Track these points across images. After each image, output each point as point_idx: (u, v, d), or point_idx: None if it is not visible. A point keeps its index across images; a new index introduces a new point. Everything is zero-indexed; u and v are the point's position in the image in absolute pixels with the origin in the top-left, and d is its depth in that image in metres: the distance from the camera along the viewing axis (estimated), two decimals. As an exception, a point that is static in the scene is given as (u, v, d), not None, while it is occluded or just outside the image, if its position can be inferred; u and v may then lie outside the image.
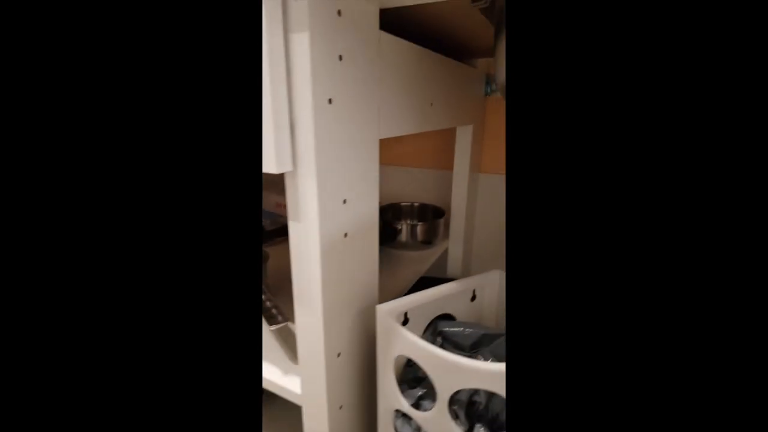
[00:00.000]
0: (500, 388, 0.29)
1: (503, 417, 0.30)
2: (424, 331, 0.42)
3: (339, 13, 0.30)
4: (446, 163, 0.90)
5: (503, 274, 0.45)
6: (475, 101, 0.75)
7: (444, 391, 0.31)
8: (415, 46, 0.44)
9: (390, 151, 0.96)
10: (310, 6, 0.27)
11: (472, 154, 0.79)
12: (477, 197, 0.86)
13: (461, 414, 0.35)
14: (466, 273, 0.87)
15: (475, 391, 0.36)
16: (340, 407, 0.39)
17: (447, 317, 0.43)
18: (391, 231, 0.73)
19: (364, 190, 0.38)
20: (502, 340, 0.40)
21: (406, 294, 0.40)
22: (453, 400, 0.35)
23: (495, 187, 0.84)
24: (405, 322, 0.40)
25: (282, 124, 0.29)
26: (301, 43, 0.28)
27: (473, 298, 0.45)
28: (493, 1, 0.40)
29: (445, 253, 0.83)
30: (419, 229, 0.73)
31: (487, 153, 0.84)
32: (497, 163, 0.84)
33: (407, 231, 0.73)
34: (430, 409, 0.33)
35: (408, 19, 0.44)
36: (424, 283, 0.70)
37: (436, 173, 0.92)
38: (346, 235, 0.36)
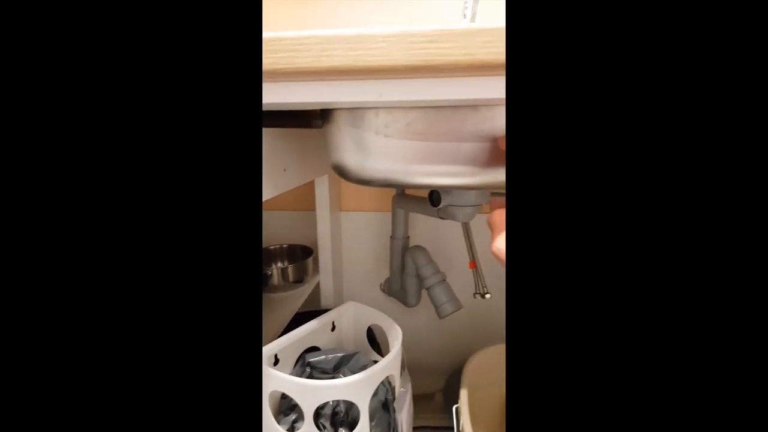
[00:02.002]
0: (347, 396, 0.39)
1: (359, 418, 0.41)
2: (294, 365, 0.51)
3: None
4: (309, 204, 1.00)
5: (356, 305, 0.57)
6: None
7: (308, 409, 0.40)
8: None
9: (257, 197, 1.02)
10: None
11: (331, 198, 0.91)
12: (341, 233, 0.98)
13: (327, 424, 0.45)
14: (338, 301, 0.98)
15: (337, 404, 0.46)
16: (226, 450, 0.44)
17: (313, 349, 0.53)
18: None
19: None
20: (357, 357, 0.52)
21: (283, 330, 0.47)
22: (319, 415, 0.45)
23: (356, 223, 0.98)
24: (276, 362, 0.48)
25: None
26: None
27: (333, 328, 0.56)
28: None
29: (318, 286, 0.92)
30: (290, 270, 0.81)
31: (345, 194, 0.98)
32: (355, 202, 0.98)
33: (278, 274, 0.80)
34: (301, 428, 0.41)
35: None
36: (300, 318, 0.78)
37: (301, 215, 1.01)
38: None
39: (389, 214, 0.90)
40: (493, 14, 0.70)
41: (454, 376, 0.93)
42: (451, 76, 0.31)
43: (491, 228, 0.30)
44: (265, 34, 0.31)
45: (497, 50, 0.28)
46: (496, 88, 0.31)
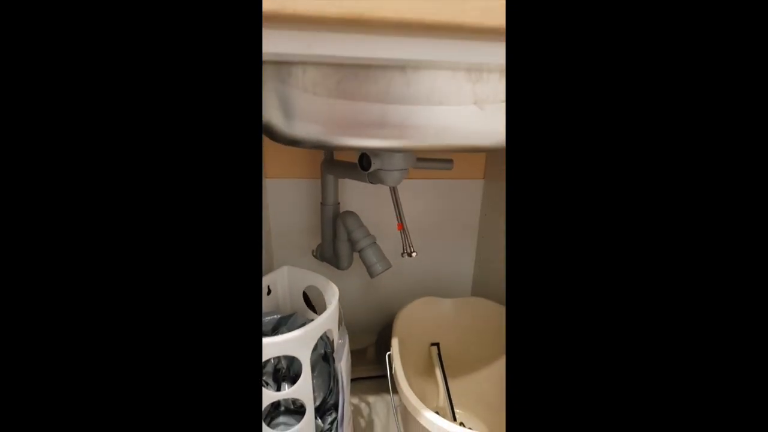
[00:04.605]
0: (288, 351, 0.41)
1: (299, 371, 0.42)
2: (231, 330, 0.50)
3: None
4: (234, 173, 0.95)
5: (290, 269, 0.58)
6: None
7: (250, 368, 0.41)
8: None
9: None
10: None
11: (256, 165, 0.87)
12: (268, 201, 0.96)
13: (270, 380, 0.46)
14: (270, 270, 0.97)
15: (278, 361, 0.48)
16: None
17: (249, 313, 0.53)
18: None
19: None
20: (295, 317, 0.53)
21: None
22: (262, 373, 0.46)
23: (284, 190, 0.96)
24: (211, 328, 0.47)
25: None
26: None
27: (269, 292, 0.56)
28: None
29: (247, 256, 0.90)
30: (216, 241, 0.78)
31: (270, 161, 0.94)
32: (282, 169, 0.95)
33: (204, 245, 0.76)
34: (244, 386, 0.42)
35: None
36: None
37: (226, 183, 0.96)
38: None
39: (318, 181, 0.90)
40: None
41: (385, 330, 0.99)
42: (382, 34, 0.32)
43: None
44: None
45: (428, 9, 0.30)
46: (425, 48, 0.33)
